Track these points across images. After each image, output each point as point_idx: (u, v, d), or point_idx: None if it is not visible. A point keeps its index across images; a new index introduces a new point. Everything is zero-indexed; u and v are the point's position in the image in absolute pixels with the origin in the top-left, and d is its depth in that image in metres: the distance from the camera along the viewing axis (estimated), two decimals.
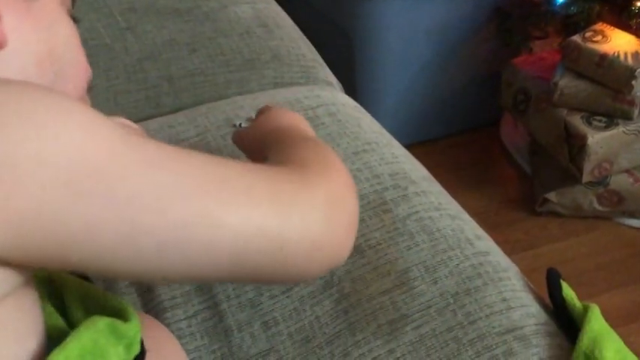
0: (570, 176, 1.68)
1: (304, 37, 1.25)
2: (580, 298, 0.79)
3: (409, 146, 1.02)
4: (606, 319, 0.76)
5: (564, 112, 1.66)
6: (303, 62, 1.18)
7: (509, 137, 1.98)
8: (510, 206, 1.81)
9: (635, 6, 1.64)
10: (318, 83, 1.15)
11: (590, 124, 1.63)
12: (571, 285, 0.80)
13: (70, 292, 0.63)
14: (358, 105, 1.07)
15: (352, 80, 1.80)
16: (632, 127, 1.62)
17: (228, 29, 1.19)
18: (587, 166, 1.62)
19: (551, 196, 1.73)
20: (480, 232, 0.87)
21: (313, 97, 1.03)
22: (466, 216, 0.89)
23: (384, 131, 1.02)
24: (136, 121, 1.04)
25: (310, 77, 1.16)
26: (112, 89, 1.08)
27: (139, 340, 0.59)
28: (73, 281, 0.65)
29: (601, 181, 1.68)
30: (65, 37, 0.56)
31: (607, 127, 1.62)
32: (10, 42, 0.50)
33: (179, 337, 0.75)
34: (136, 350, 0.58)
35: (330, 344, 0.75)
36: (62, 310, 0.63)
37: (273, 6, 1.28)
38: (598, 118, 1.63)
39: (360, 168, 0.92)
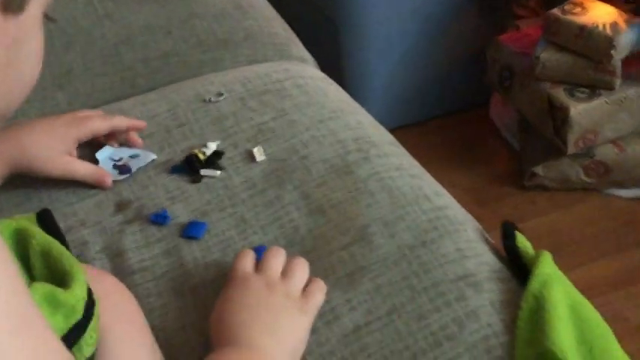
0: (556, 149, 1.69)
1: (279, 17, 1.28)
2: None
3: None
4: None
5: (547, 85, 1.67)
6: (276, 40, 1.21)
7: (499, 116, 2.00)
8: (499, 182, 1.83)
9: None
10: (291, 60, 1.18)
11: (572, 95, 1.64)
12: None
13: (33, 246, 0.67)
14: (327, 77, 1.10)
15: (339, 66, 1.82)
16: (614, 97, 1.63)
17: (202, 12, 1.22)
18: (571, 138, 1.64)
19: (539, 169, 1.74)
20: (440, 189, 0.89)
21: (282, 71, 1.06)
22: (427, 176, 0.92)
23: (351, 100, 1.04)
24: (111, 102, 1.08)
25: (284, 55, 1.19)
26: (88, 72, 1.11)
27: (81, 307, 0.62)
28: (40, 235, 0.69)
29: (586, 152, 1.69)
30: (27, 55, 0.52)
31: (589, 97, 1.63)
32: None
33: (146, 296, 0.78)
34: (78, 316, 0.61)
35: None
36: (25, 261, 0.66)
37: None
38: (580, 89, 1.65)
39: (325, 134, 0.94)
